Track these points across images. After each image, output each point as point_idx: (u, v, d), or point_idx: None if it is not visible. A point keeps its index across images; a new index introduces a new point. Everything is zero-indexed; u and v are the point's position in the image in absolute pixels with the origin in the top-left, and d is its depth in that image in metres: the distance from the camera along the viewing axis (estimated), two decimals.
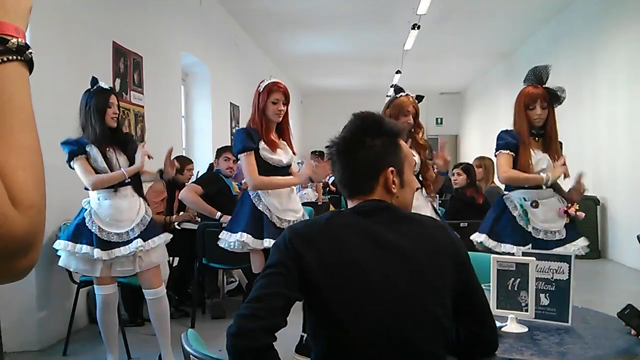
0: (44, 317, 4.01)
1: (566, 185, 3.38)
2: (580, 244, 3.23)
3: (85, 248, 3.25)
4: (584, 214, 3.28)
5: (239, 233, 3.30)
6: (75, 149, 3.27)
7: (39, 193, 0.75)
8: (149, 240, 3.33)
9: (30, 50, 0.80)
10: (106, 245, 3.25)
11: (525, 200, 3.25)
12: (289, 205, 3.43)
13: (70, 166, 3.30)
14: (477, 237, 3.35)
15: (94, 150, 3.28)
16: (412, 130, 3.44)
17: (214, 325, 4.49)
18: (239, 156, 3.42)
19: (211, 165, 5.78)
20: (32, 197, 0.73)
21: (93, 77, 3.40)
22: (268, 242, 3.26)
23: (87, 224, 3.28)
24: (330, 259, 1.41)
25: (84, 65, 4.60)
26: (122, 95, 5.31)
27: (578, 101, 8.26)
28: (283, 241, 1.45)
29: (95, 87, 3.35)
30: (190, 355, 1.47)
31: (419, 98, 3.52)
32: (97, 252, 3.22)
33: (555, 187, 3.31)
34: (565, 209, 3.22)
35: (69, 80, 4.37)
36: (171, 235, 3.56)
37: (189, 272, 4.91)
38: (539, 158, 3.21)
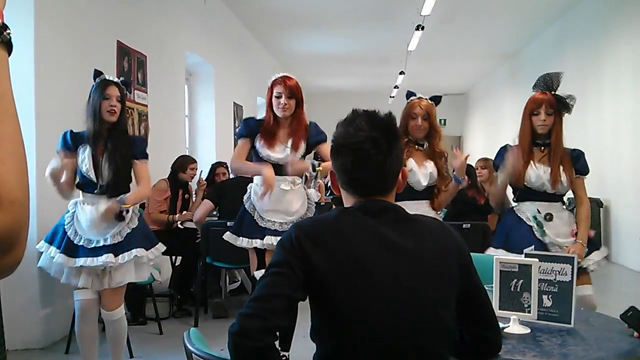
0: (47, 315, 4.02)
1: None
2: (594, 259, 3.11)
3: (53, 251, 3.07)
4: (593, 232, 3.17)
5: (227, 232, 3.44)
6: (59, 145, 3.10)
7: (21, 187, 0.69)
8: (120, 256, 3.05)
9: (8, 31, 0.74)
10: (73, 252, 3.03)
11: (539, 212, 3.09)
12: (278, 206, 3.31)
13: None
14: (495, 253, 3.10)
15: (86, 151, 3.08)
16: (429, 134, 3.30)
17: (216, 324, 4.49)
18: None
19: (213, 167, 5.79)
20: (13, 193, 0.67)
21: (95, 70, 3.17)
22: (241, 241, 3.33)
23: (65, 226, 3.09)
24: (339, 258, 1.40)
25: (87, 64, 4.59)
26: (126, 94, 5.32)
27: (583, 103, 8.19)
28: (289, 239, 1.43)
29: (96, 80, 3.13)
30: (192, 354, 1.47)
31: (435, 99, 3.35)
32: (59, 257, 3.03)
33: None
34: (576, 229, 3.10)
35: (73, 78, 4.38)
36: (144, 252, 3.18)
37: (192, 271, 4.92)
38: (541, 172, 3.05)
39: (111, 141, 3.09)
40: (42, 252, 3.15)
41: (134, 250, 3.09)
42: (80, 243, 3.04)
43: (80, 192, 3.16)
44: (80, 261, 3.01)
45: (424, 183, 3.22)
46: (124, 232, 3.11)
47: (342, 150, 1.50)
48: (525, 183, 3.10)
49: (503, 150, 3.21)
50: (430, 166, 3.27)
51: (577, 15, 8.84)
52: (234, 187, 4.64)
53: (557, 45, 9.65)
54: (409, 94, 3.40)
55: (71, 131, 3.14)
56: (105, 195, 3.10)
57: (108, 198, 3.10)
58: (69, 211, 3.16)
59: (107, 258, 3.01)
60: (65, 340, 3.89)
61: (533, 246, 3.01)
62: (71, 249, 3.04)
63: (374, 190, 1.51)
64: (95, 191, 3.09)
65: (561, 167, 3.05)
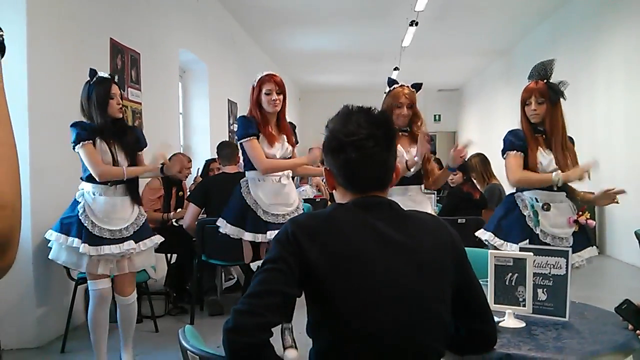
0: (42, 314, 4.01)
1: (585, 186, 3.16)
2: (584, 256, 3.06)
3: (75, 242, 3.16)
4: (594, 222, 3.12)
5: (228, 224, 3.53)
6: (83, 134, 3.15)
7: (13, 191, 0.68)
8: (141, 243, 3.30)
9: (1, 33, 0.73)
10: (97, 241, 3.16)
11: (537, 201, 3.05)
12: (278, 199, 3.48)
13: (74, 149, 3.18)
14: (482, 235, 3.18)
15: (102, 144, 3.21)
16: (411, 120, 3.40)
17: (212, 321, 4.49)
18: (241, 142, 3.44)
19: (207, 163, 5.79)
20: (5, 197, 0.66)
21: (91, 69, 3.26)
22: (248, 236, 3.46)
23: (80, 217, 3.18)
24: (334, 253, 1.40)
25: (81, 62, 4.58)
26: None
27: (576, 99, 8.24)
28: (285, 234, 1.43)
29: (95, 78, 3.23)
30: (188, 351, 1.47)
31: (416, 87, 3.43)
32: (83, 247, 3.14)
33: (569, 191, 3.11)
34: (575, 217, 3.05)
35: (66, 77, 4.36)
36: (161, 239, 3.48)
37: (187, 268, 4.91)
38: (550, 158, 3.03)
39: (120, 136, 3.29)
40: (53, 243, 3.25)
41: (153, 238, 3.37)
42: (103, 235, 3.19)
43: (91, 184, 3.23)
44: (106, 249, 3.18)
45: (411, 170, 3.28)
46: (139, 220, 3.32)
47: (345, 148, 1.48)
48: (537, 168, 3.04)
49: (509, 134, 3.13)
50: (414, 151, 3.32)
51: (569, 12, 8.86)
52: (220, 185, 4.63)
53: (550, 42, 9.67)
54: (391, 82, 3.46)
55: (80, 123, 3.22)
56: (116, 185, 3.25)
57: (125, 188, 3.29)
58: (78, 202, 3.24)
59: (129, 245, 3.23)
60: (61, 339, 3.88)
61: (527, 240, 3.01)
62: (94, 239, 3.18)
63: (375, 186, 1.53)
64: (109, 184, 3.23)
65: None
